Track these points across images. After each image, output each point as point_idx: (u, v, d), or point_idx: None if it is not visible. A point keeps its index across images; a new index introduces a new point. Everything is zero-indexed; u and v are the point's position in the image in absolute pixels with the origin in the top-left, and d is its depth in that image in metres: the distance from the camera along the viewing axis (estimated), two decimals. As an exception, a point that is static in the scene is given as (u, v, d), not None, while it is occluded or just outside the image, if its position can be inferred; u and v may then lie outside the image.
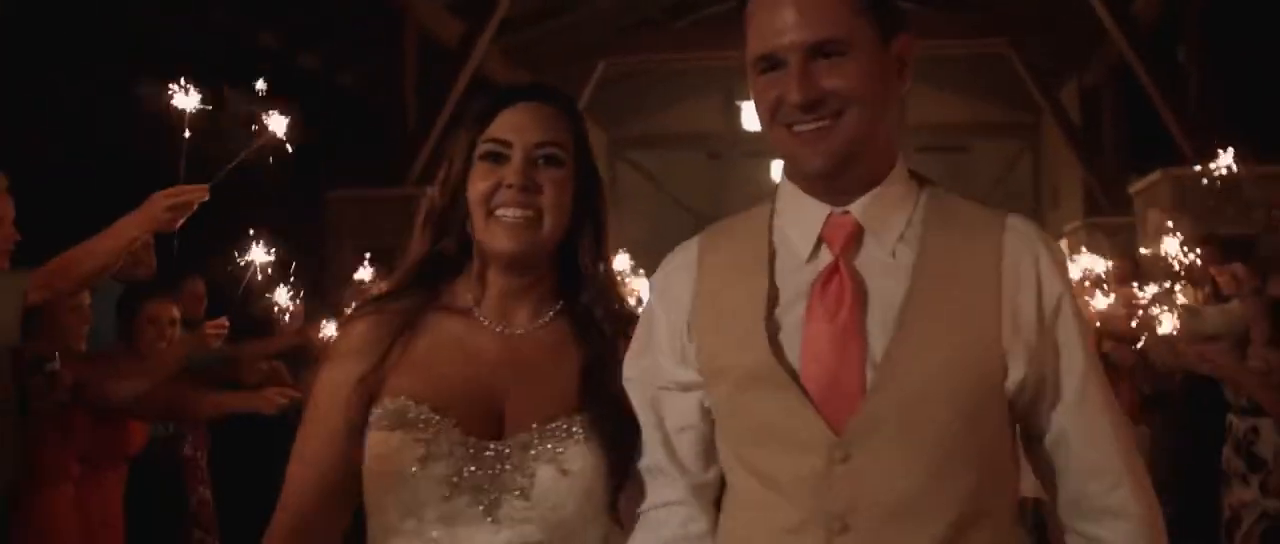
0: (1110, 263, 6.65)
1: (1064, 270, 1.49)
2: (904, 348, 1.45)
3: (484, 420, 1.61)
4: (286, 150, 3.23)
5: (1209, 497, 4.85)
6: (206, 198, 3.01)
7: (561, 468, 1.59)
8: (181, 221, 3.06)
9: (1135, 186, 8.04)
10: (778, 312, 1.50)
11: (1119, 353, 5.57)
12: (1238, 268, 5.23)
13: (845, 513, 1.42)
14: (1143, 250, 6.82)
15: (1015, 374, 1.45)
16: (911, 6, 10.42)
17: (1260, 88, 7.45)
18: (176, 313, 4.00)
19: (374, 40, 8.69)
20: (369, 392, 1.62)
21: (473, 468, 1.57)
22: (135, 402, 3.64)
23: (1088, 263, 5.89)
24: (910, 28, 1.49)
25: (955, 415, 1.44)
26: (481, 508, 1.56)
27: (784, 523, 1.44)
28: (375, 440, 1.58)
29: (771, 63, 1.46)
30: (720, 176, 14.12)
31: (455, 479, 1.56)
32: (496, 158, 1.66)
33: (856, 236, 1.51)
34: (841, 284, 1.48)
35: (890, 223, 1.51)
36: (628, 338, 1.65)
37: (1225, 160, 5.81)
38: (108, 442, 3.65)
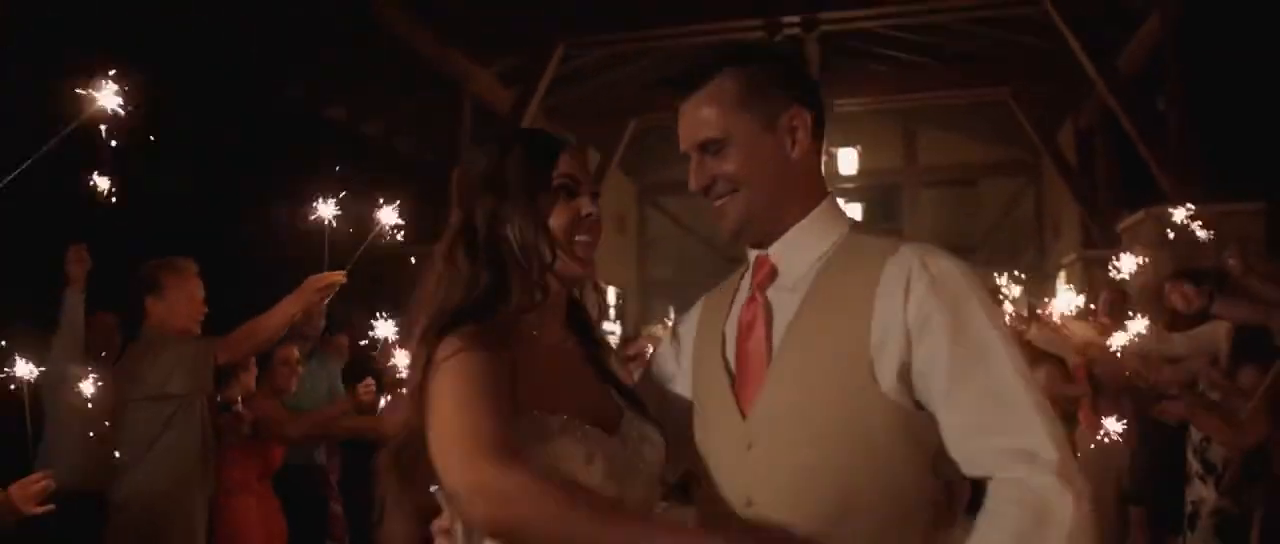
0: (1103, 294, 7.32)
1: (942, 285, 1.64)
2: (789, 358, 1.71)
3: (598, 418, 1.75)
4: (398, 238, 4.09)
5: (1178, 494, 5.39)
6: (345, 281, 3.90)
7: (652, 441, 1.80)
8: (328, 298, 3.97)
9: (1123, 224, 8.56)
10: (728, 332, 1.82)
11: (1105, 375, 6.28)
12: (1186, 288, 5.86)
13: (750, 490, 1.69)
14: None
15: (887, 377, 1.63)
16: (925, 61, 11.15)
17: (1233, 133, 8.02)
18: (297, 354, 4.87)
19: (435, 110, 9.53)
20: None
21: (612, 459, 1.71)
22: (302, 437, 4.55)
23: (1066, 298, 6.43)
24: (804, 99, 1.75)
25: (835, 413, 1.65)
26: (617, 489, 1.70)
27: (711, 494, 1.75)
28: (554, 450, 1.66)
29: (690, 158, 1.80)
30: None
31: (606, 470, 1.69)
32: (569, 192, 1.80)
33: (772, 272, 1.78)
34: (754, 311, 1.78)
35: (796, 262, 1.76)
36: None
37: (1180, 214, 6.41)
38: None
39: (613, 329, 10.67)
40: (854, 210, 14.23)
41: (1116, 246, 8.82)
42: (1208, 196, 7.61)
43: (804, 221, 1.77)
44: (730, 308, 1.83)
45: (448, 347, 1.65)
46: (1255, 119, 8.02)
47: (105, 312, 5.01)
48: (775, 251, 1.78)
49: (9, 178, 2.76)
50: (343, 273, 3.85)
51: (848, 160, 12.33)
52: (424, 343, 1.69)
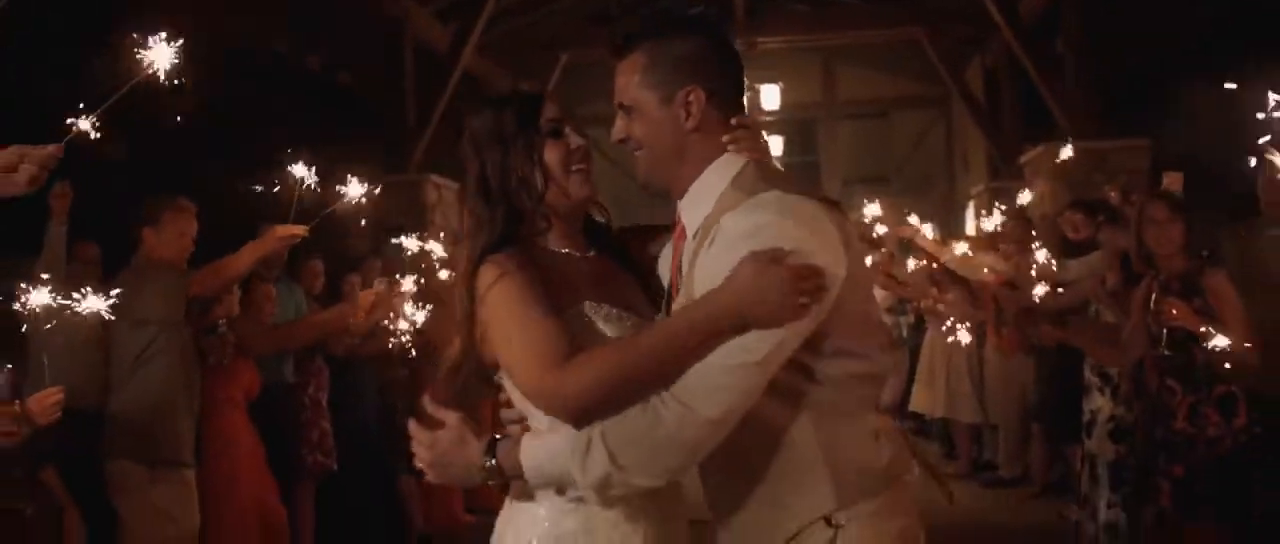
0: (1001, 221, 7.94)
1: (731, 236, 1.82)
2: (681, 303, 1.95)
3: (631, 308, 2.06)
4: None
5: (1076, 408, 5.91)
6: (306, 234, 4.32)
7: None
8: (289, 247, 4.41)
9: (1024, 157, 9.17)
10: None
11: (1004, 300, 6.90)
12: (1076, 218, 6.46)
13: None
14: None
15: None
16: (843, 0, 11.69)
17: (1125, 74, 8.69)
18: (273, 291, 5.30)
19: (374, 45, 9.80)
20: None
21: None
22: (270, 346, 5.01)
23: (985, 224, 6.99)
24: (699, 80, 1.95)
25: None
26: None
27: None
28: (590, 333, 1.96)
29: None
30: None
31: None
32: (557, 134, 2.09)
33: (682, 233, 2.05)
34: (675, 262, 2.06)
35: (694, 217, 1.98)
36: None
37: (1066, 151, 6.97)
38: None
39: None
40: (775, 143, 14.79)
41: (1019, 179, 9.54)
42: (1100, 133, 8.32)
43: (699, 178, 1.99)
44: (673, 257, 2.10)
45: (487, 275, 1.97)
46: (1144, 62, 8.72)
47: (87, 242, 5.34)
48: (681, 208, 2.04)
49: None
50: (305, 228, 4.27)
51: (770, 95, 12.85)
52: (466, 279, 2.01)
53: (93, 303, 3.63)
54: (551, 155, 2.07)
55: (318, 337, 5.25)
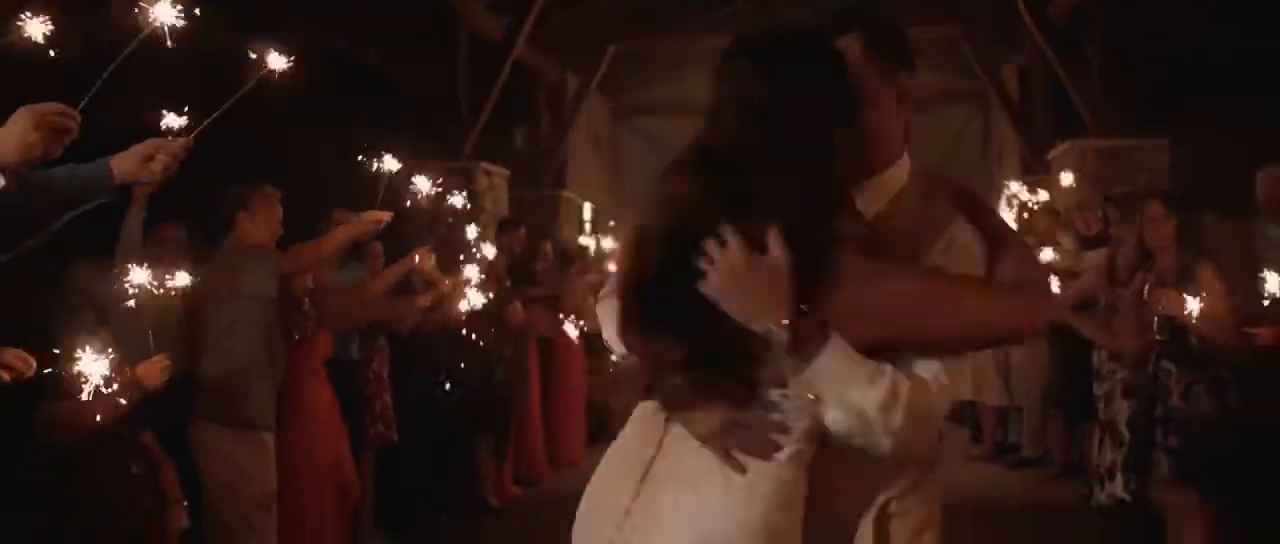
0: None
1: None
2: None
3: None
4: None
5: (1087, 389, 6.50)
6: (391, 219, 4.77)
7: None
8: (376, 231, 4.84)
9: (1052, 153, 9.50)
10: None
11: None
12: (1088, 215, 6.85)
13: None
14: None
15: None
16: (883, -1, 11.93)
17: (1148, 77, 8.93)
18: None
19: (429, 37, 10.25)
20: None
21: None
22: (351, 327, 5.50)
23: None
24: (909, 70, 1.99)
25: None
26: None
27: None
28: None
29: None
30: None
31: None
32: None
33: None
34: None
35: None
36: None
37: (1067, 179, 7.25)
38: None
39: (588, 242, 11.59)
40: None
41: (1048, 174, 9.82)
42: (1122, 132, 8.64)
43: (888, 168, 2.02)
44: None
45: None
46: (1166, 66, 9.00)
47: (172, 223, 5.83)
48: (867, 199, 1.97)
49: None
50: (391, 214, 4.71)
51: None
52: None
53: (184, 280, 4.10)
54: None
55: (386, 317, 5.75)
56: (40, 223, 2.62)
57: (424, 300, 5.77)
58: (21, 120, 2.19)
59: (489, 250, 7.18)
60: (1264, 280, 4.43)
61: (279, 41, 3.35)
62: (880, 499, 1.88)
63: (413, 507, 6.25)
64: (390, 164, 4.55)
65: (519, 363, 7.68)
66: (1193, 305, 4.22)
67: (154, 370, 3.85)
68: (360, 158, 4.75)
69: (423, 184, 5.03)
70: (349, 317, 5.46)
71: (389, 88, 10.41)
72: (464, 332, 6.56)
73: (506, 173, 10.70)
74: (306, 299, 5.11)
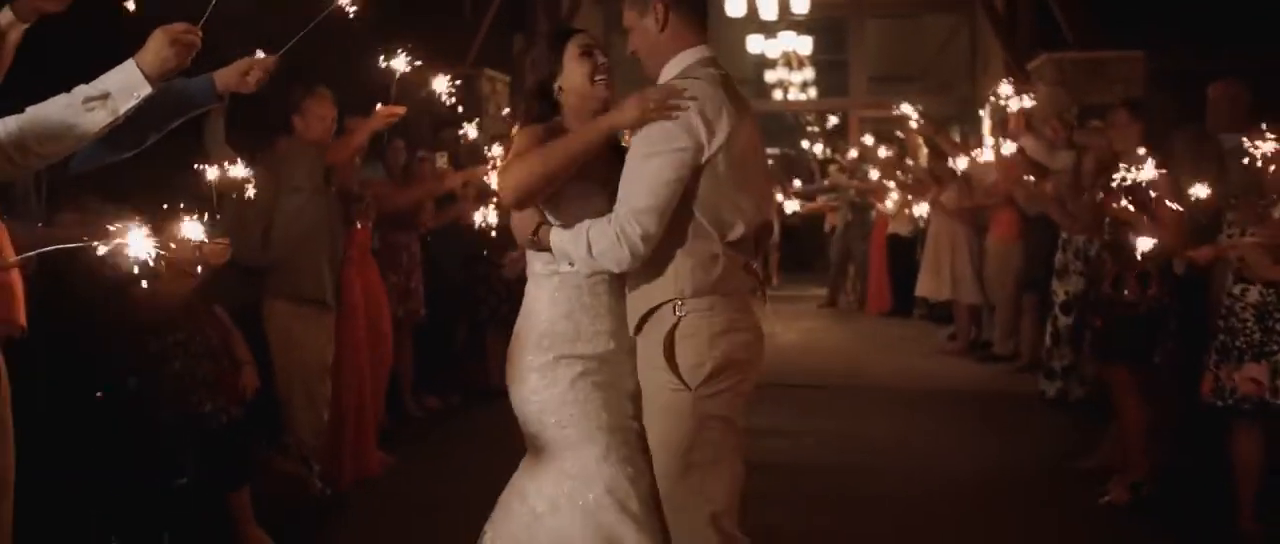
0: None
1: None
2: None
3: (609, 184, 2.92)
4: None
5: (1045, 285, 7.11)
6: (405, 113, 5.16)
7: None
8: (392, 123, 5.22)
9: (1032, 64, 9.89)
10: None
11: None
12: (1054, 123, 7.31)
13: None
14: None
15: None
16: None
17: None
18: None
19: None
20: None
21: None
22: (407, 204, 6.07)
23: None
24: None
25: None
26: None
27: None
28: (583, 201, 2.93)
29: None
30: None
31: None
32: (588, 53, 3.01)
33: None
34: None
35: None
36: None
37: (1027, 102, 7.62)
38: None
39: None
40: (805, 42, 15.48)
41: (1029, 84, 10.26)
42: (1100, 43, 9.05)
43: (666, 65, 2.91)
44: None
45: (521, 133, 3.03)
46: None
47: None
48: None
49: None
50: (404, 108, 5.10)
51: (800, -1, 13.49)
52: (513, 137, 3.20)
53: (242, 172, 4.49)
54: (583, 68, 2.99)
55: (422, 199, 6.45)
56: (162, 123, 3.28)
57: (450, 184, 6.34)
58: (159, 38, 2.65)
59: (497, 152, 7.60)
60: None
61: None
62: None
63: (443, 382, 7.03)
64: (400, 63, 4.86)
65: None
66: (1144, 243, 4.60)
67: (216, 247, 4.28)
68: (381, 59, 5.04)
69: (441, 84, 5.33)
70: (396, 207, 6.12)
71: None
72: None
73: (507, 79, 11.07)
74: (368, 192, 5.65)
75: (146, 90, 2.63)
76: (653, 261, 2.83)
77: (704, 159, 2.79)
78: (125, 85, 2.61)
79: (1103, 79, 8.92)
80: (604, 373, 2.99)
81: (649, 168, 2.78)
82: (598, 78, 3.00)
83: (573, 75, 3.01)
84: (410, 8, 10.99)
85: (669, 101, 2.75)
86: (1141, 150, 5.06)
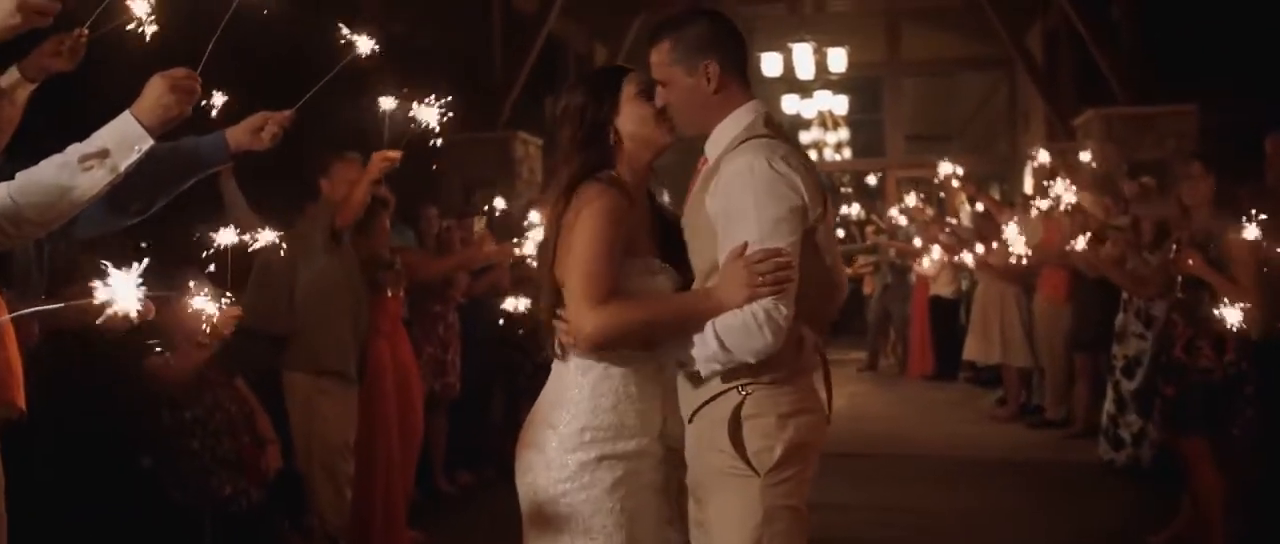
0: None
1: (726, 184, 2.47)
2: (686, 221, 2.65)
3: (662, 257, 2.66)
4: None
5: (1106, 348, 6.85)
6: (400, 158, 4.88)
7: (671, 276, 2.64)
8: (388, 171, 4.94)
9: (1078, 120, 9.65)
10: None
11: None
12: (1107, 201, 7.04)
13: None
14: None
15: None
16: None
17: (1176, 41, 8.97)
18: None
19: (463, 8, 10.47)
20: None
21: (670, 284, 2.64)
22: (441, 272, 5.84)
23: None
24: (717, 52, 2.56)
25: (702, 261, 2.57)
26: None
27: None
28: (644, 282, 2.60)
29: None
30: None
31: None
32: (648, 96, 2.63)
33: (705, 161, 2.65)
34: (695, 178, 2.67)
35: (713, 154, 2.60)
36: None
37: (1085, 156, 7.42)
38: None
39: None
40: (840, 101, 15.30)
41: (1074, 140, 10.00)
42: (1150, 97, 8.79)
43: (722, 123, 2.59)
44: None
45: (589, 191, 2.55)
46: (1196, 28, 9.08)
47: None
48: (707, 146, 2.64)
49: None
50: (399, 152, 4.59)
51: (837, 59, 13.33)
52: (564, 194, 2.58)
53: (268, 237, 4.27)
54: (644, 111, 2.63)
55: (457, 268, 6.20)
56: (171, 184, 3.02)
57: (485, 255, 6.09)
58: (157, 85, 2.44)
59: (536, 217, 7.40)
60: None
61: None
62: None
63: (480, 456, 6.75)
64: (388, 104, 4.63)
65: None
66: (1230, 315, 4.33)
67: (226, 318, 4.06)
68: (380, 105, 4.75)
69: (429, 115, 4.91)
70: (429, 273, 5.93)
71: (426, 60, 10.61)
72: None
73: (540, 142, 10.94)
74: (397, 258, 5.45)
75: (147, 143, 2.41)
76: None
77: (806, 229, 2.50)
78: (123, 139, 2.39)
79: (1154, 134, 8.65)
80: (645, 472, 2.63)
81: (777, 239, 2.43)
82: (660, 121, 2.65)
83: (631, 118, 2.65)
84: (441, 71, 11.00)
85: (777, 271, 2.39)
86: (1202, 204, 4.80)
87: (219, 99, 3.16)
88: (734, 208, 2.45)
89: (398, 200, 6.07)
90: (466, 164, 9.62)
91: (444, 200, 8.15)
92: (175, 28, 2.63)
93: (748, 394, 2.48)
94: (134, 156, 2.39)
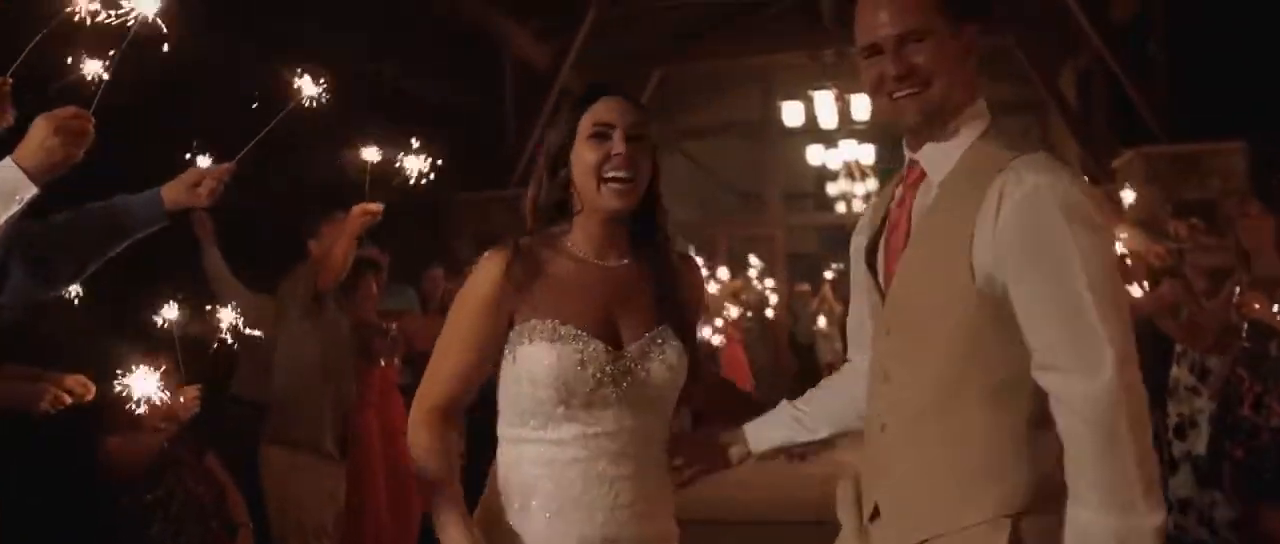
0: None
1: (1026, 205, 1.77)
2: (915, 249, 1.92)
3: (609, 334, 2.09)
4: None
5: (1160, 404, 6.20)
6: (382, 210, 4.55)
7: (666, 363, 2.12)
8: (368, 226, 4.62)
9: (1115, 162, 9.25)
10: (883, 237, 2.03)
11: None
12: (1157, 249, 6.58)
13: (887, 368, 1.94)
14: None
15: (982, 277, 1.79)
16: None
17: (1217, 76, 8.56)
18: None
19: (476, 65, 10.24)
20: (511, 312, 2.08)
21: (609, 367, 2.06)
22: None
23: None
24: (979, 18, 1.90)
25: (942, 301, 1.84)
26: (616, 394, 2.07)
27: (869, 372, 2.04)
28: (535, 352, 2.05)
29: (874, 50, 1.91)
30: (760, 159, 15.34)
31: (599, 375, 2.05)
32: (602, 136, 2.05)
33: (921, 174, 1.95)
34: (903, 209, 1.98)
35: (940, 162, 1.91)
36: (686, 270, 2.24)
37: (1128, 196, 7.00)
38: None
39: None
40: (866, 151, 14.90)
41: (1111, 183, 9.58)
42: (1193, 135, 8.36)
43: (953, 122, 1.91)
44: (886, 209, 2.02)
45: (484, 257, 2.13)
46: (1238, 63, 8.67)
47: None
48: (924, 154, 1.94)
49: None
50: (381, 206, 4.37)
51: (861, 105, 12.95)
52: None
53: (228, 316, 3.94)
54: (590, 155, 2.06)
55: None
56: (99, 250, 2.71)
57: None
58: (41, 128, 2.18)
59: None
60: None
61: (326, 69, 3.28)
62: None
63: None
64: (371, 155, 4.28)
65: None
66: None
67: (187, 400, 3.75)
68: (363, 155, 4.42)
69: (414, 163, 4.56)
70: (430, 343, 5.37)
71: (436, 116, 10.38)
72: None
73: (557, 199, 10.60)
74: (393, 325, 5.09)
75: (31, 192, 2.12)
76: (952, 442, 1.84)
77: None
78: (1, 188, 2.07)
79: (1198, 173, 8.21)
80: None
81: (1099, 270, 1.76)
82: (609, 175, 2.05)
83: (577, 162, 2.10)
84: (452, 132, 10.75)
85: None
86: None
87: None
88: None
89: (406, 259, 5.75)
90: (478, 222, 9.36)
91: (454, 260, 7.98)
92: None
93: (1022, 539, 1.79)
94: (16, 208, 2.07)
